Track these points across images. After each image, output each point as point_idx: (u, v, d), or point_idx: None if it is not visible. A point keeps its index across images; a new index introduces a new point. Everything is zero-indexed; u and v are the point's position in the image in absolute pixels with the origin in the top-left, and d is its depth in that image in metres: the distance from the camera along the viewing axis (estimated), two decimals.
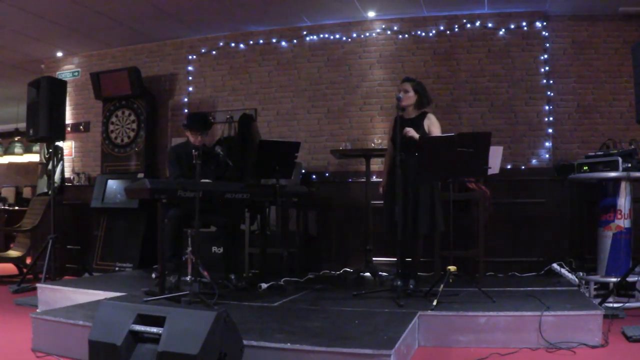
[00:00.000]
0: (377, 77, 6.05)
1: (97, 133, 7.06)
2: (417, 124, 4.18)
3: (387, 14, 6.04)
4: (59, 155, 6.87)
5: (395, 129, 4.05)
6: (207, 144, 4.97)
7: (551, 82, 5.71)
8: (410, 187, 4.04)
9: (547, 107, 5.69)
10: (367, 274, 5.21)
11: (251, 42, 6.52)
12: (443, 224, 4.11)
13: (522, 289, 4.20)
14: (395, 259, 4.09)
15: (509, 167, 5.63)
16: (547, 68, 5.70)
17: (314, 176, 6.17)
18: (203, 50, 6.71)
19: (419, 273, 4.38)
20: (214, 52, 6.67)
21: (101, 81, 6.73)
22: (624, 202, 4.46)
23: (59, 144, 6.65)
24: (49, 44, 6.89)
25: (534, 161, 5.67)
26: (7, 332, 3.75)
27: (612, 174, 4.43)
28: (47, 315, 3.36)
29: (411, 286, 4.10)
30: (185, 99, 6.75)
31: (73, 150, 7.28)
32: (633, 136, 5.12)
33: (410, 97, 4.18)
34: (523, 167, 5.67)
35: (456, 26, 5.91)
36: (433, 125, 4.21)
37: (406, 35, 6.04)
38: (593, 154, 4.73)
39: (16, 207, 8.56)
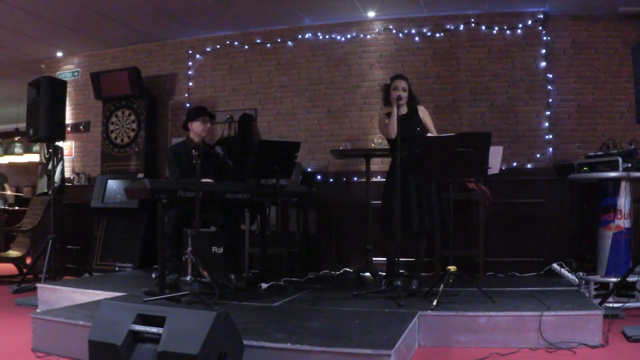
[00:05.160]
0: (377, 77, 6.04)
1: (97, 133, 7.05)
2: (415, 118, 4.20)
3: (387, 14, 6.04)
4: (59, 155, 6.86)
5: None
6: (208, 143, 4.97)
7: (551, 82, 5.71)
8: (418, 184, 4.06)
9: (547, 107, 5.69)
10: (367, 274, 5.22)
11: (251, 42, 6.52)
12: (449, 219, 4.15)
13: (522, 289, 4.20)
14: (396, 259, 4.08)
15: (509, 167, 5.63)
16: (547, 68, 5.70)
17: (314, 176, 6.17)
18: (203, 50, 6.71)
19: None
20: (214, 52, 6.68)
21: (101, 81, 6.72)
22: (624, 202, 4.46)
23: (59, 144, 6.64)
24: (49, 44, 6.89)
25: (534, 161, 5.67)
26: (7, 332, 3.75)
27: (612, 174, 4.43)
28: (47, 315, 3.36)
29: (414, 286, 4.10)
30: (186, 99, 6.75)
31: (73, 150, 7.29)
32: (633, 136, 5.13)
33: (406, 95, 4.19)
34: (523, 167, 5.67)
35: (456, 26, 5.91)
36: (427, 117, 4.30)
37: (406, 35, 6.04)
38: (593, 154, 4.73)
39: (16, 207, 8.56)
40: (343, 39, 6.23)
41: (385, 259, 4.63)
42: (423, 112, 4.29)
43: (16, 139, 9.73)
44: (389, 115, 4.18)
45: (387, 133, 4.18)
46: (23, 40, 6.66)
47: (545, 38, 5.73)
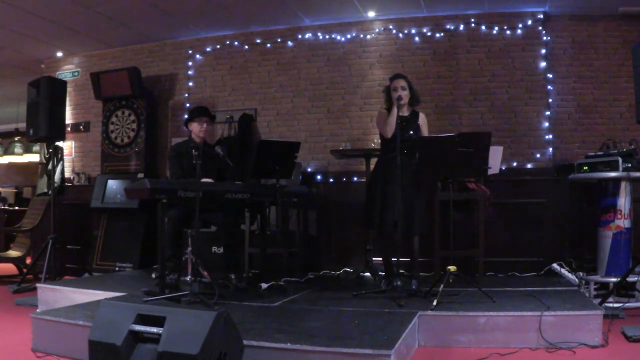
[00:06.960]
0: (377, 77, 6.04)
1: (97, 133, 7.05)
2: (413, 123, 4.19)
3: (387, 14, 6.04)
4: (59, 155, 6.86)
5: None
6: (209, 143, 4.97)
7: (551, 82, 5.71)
8: (406, 187, 4.04)
9: (547, 107, 5.69)
10: (367, 274, 5.21)
11: (251, 42, 6.52)
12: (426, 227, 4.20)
13: (522, 289, 4.20)
14: (395, 259, 4.08)
15: (509, 167, 5.63)
16: (547, 68, 5.70)
17: (314, 176, 6.17)
18: (203, 50, 6.71)
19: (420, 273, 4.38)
20: (214, 52, 6.67)
21: (101, 81, 6.72)
22: (624, 202, 4.46)
23: (59, 144, 6.64)
24: (49, 44, 6.89)
25: (534, 161, 5.67)
26: (7, 332, 3.75)
27: (612, 174, 4.43)
28: (47, 315, 3.36)
29: (414, 286, 4.10)
30: (186, 99, 6.75)
31: (73, 150, 7.29)
32: (633, 136, 5.12)
33: (407, 94, 4.17)
34: (523, 167, 5.67)
35: (456, 26, 5.91)
36: (425, 126, 4.31)
37: (406, 35, 6.04)
38: (593, 154, 4.73)
39: (16, 207, 8.56)
40: (343, 39, 6.23)
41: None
42: (422, 120, 4.30)
43: (16, 139, 9.73)
44: (389, 111, 4.19)
45: (385, 131, 4.18)
46: (23, 40, 6.66)
47: (545, 38, 5.73)
